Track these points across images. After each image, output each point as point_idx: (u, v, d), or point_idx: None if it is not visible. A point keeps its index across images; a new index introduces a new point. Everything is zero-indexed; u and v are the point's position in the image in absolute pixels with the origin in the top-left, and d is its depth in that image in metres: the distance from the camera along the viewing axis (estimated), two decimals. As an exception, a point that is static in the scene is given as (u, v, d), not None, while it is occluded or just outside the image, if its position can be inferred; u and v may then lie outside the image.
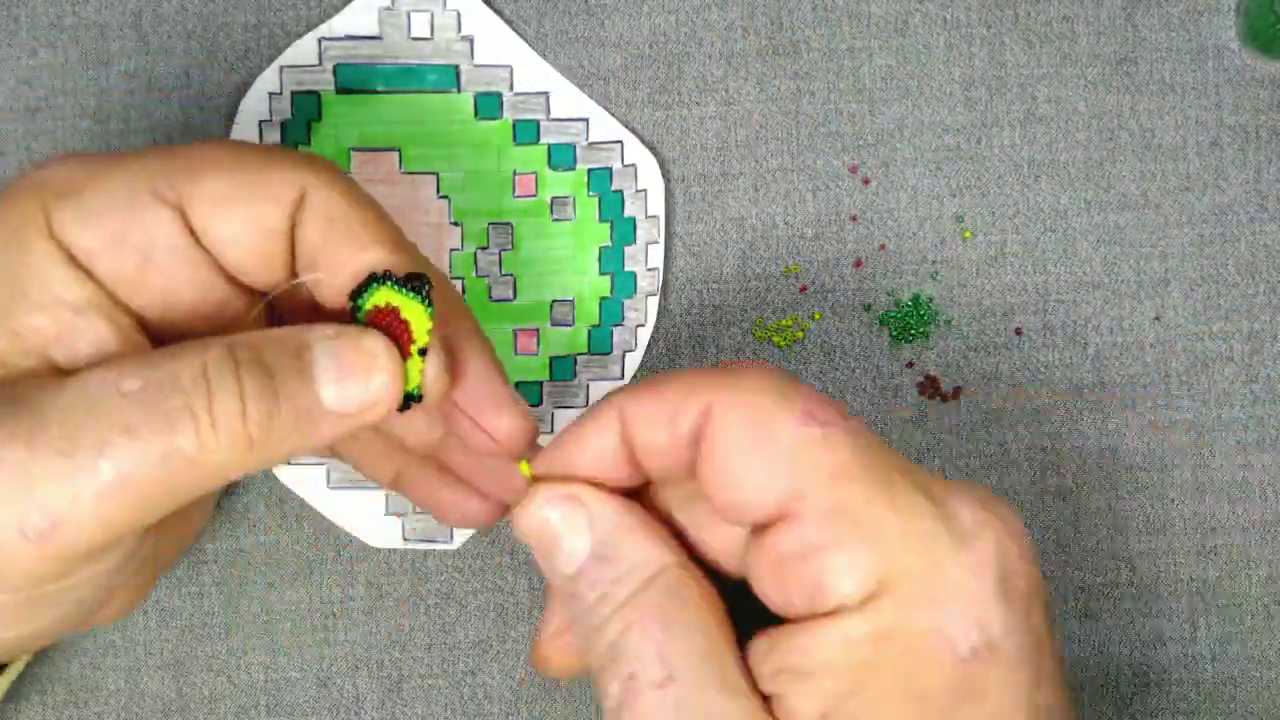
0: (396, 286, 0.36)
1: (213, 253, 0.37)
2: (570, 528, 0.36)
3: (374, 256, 0.36)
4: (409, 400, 0.37)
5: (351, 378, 0.35)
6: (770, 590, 0.33)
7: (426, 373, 0.36)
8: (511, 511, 0.37)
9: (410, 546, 0.47)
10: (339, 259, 0.36)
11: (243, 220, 0.36)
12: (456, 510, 0.42)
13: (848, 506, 0.32)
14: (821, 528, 0.32)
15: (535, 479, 0.37)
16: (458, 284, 0.48)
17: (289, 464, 0.47)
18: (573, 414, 0.48)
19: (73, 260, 0.36)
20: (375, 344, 0.35)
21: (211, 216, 0.36)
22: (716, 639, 0.34)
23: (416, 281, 0.36)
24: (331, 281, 0.37)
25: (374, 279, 0.36)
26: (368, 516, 0.47)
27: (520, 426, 0.39)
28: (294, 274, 0.37)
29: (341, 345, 0.35)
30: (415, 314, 0.36)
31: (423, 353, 0.36)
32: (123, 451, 0.33)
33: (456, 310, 0.40)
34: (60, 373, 0.35)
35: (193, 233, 0.36)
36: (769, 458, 0.33)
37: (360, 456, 0.43)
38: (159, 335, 0.37)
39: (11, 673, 0.43)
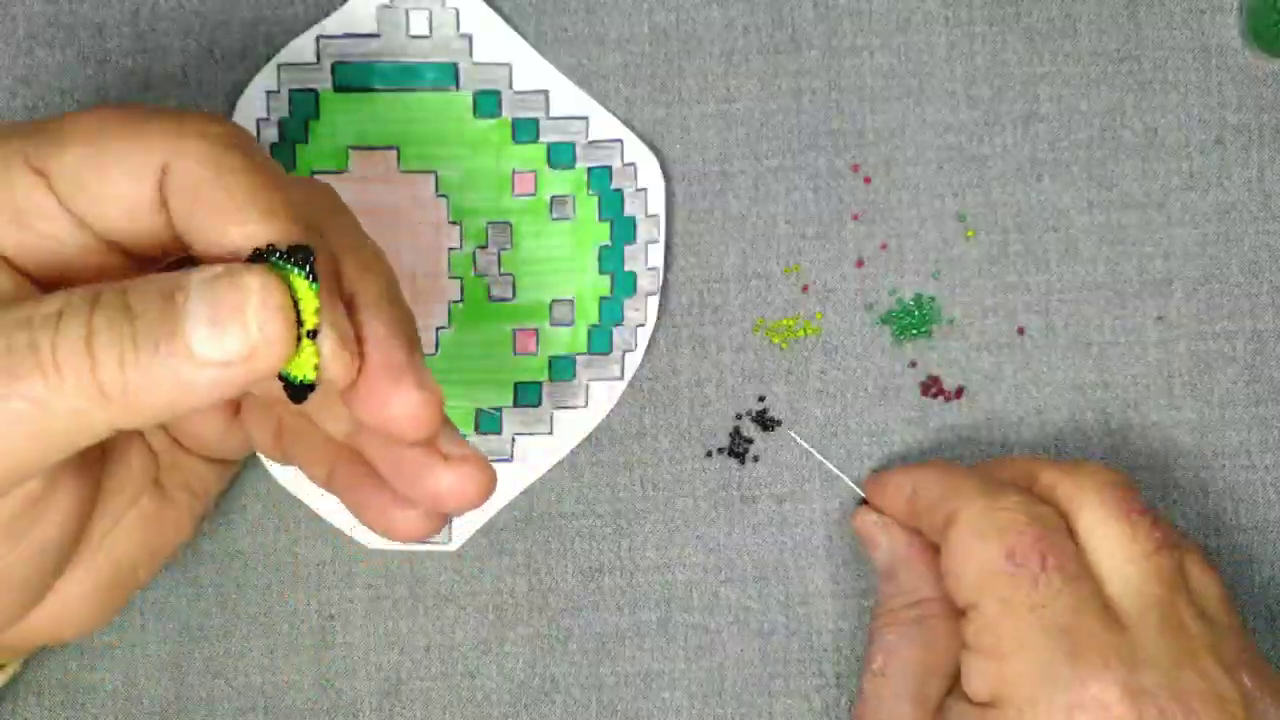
0: (279, 263, 0.32)
1: (81, 221, 0.35)
2: (874, 545, 0.46)
3: (241, 231, 0.33)
4: (302, 389, 0.33)
5: (227, 322, 0.32)
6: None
7: (321, 351, 0.33)
8: (854, 518, 0.47)
9: (410, 547, 0.47)
10: (207, 235, 0.33)
11: (98, 195, 0.34)
12: (380, 517, 0.39)
13: (997, 630, 0.40)
14: (977, 635, 0.40)
15: (864, 502, 0.47)
16: (455, 283, 0.47)
17: (279, 464, 0.46)
18: (573, 414, 0.47)
19: None
20: (257, 281, 0.32)
21: (69, 189, 0.35)
22: (935, 664, 0.43)
23: (299, 254, 0.32)
24: (205, 256, 0.34)
25: (257, 255, 0.33)
26: (366, 517, 0.47)
27: (418, 400, 0.35)
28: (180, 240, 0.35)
29: (221, 285, 0.32)
30: (301, 292, 0.32)
31: (312, 335, 0.33)
32: None
33: (375, 275, 0.37)
34: None
35: (63, 203, 0.35)
36: (970, 571, 0.41)
37: (295, 452, 0.41)
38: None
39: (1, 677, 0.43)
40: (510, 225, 0.48)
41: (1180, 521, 0.48)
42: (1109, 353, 0.48)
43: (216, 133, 0.34)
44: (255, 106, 0.47)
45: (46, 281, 0.36)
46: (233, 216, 0.33)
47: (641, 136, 0.48)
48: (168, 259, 0.37)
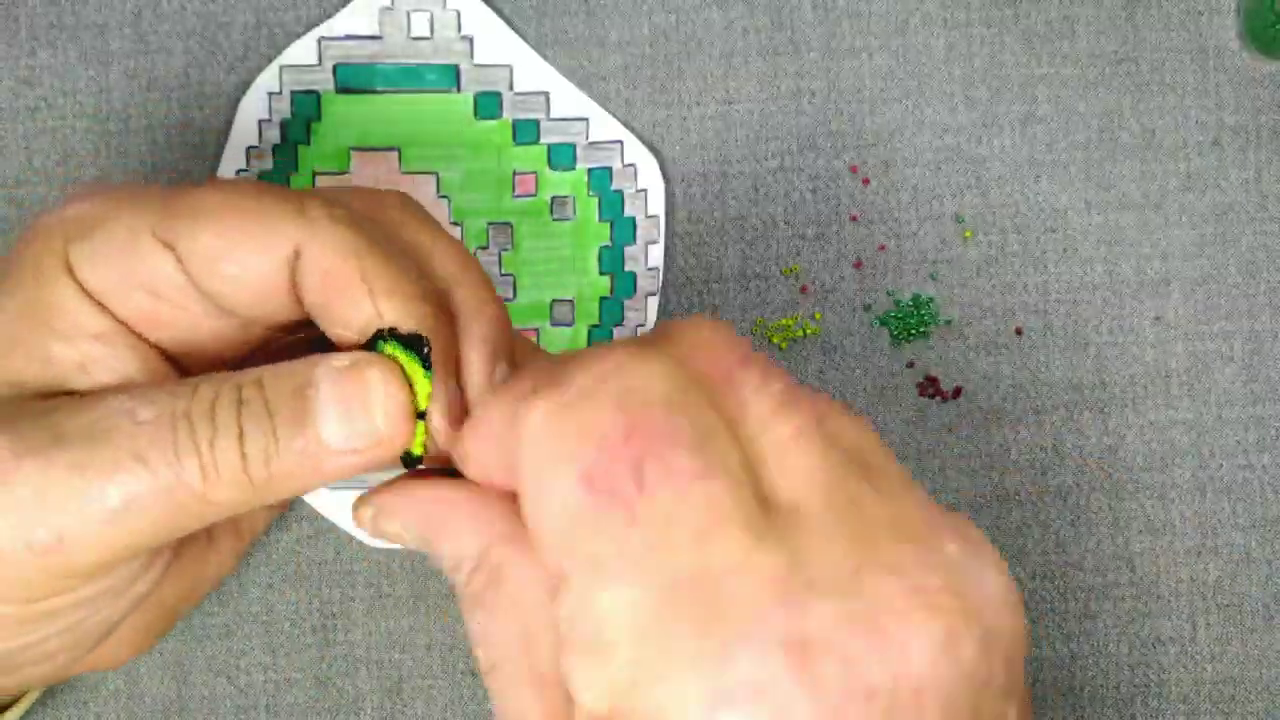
0: (398, 345, 0.35)
1: (211, 298, 0.36)
2: (394, 534, 0.36)
3: (369, 311, 0.35)
4: (412, 461, 0.36)
5: (354, 416, 0.35)
6: None
7: (432, 423, 0.36)
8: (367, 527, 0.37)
9: (409, 547, 0.47)
10: (338, 315, 0.36)
11: (232, 276, 0.36)
12: None
13: (594, 615, 0.29)
14: (570, 624, 0.30)
15: (359, 499, 0.37)
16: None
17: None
18: (573, 414, 0.47)
19: (90, 295, 0.36)
20: (379, 375, 0.35)
21: (202, 268, 0.36)
22: (533, 626, 0.32)
23: (414, 342, 0.35)
24: (338, 336, 0.36)
25: (379, 336, 0.35)
26: (367, 517, 0.47)
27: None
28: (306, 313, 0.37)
29: (346, 380, 0.35)
30: (416, 378, 0.35)
31: (421, 416, 0.35)
32: (132, 478, 0.34)
33: (470, 285, 0.38)
34: (77, 397, 0.36)
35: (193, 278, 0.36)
36: (546, 523, 0.30)
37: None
38: (187, 364, 0.38)
39: (20, 709, 0.43)
40: (511, 226, 0.48)
41: (1177, 520, 0.48)
42: (1106, 353, 0.49)
43: (339, 215, 0.36)
44: (257, 107, 0.47)
45: (172, 352, 0.37)
46: (362, 299, 0.35)
47: (641, 138, 0.48)
48: (293, 330, 0.38)
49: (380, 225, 0.37)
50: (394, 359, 0.35)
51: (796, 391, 0.30)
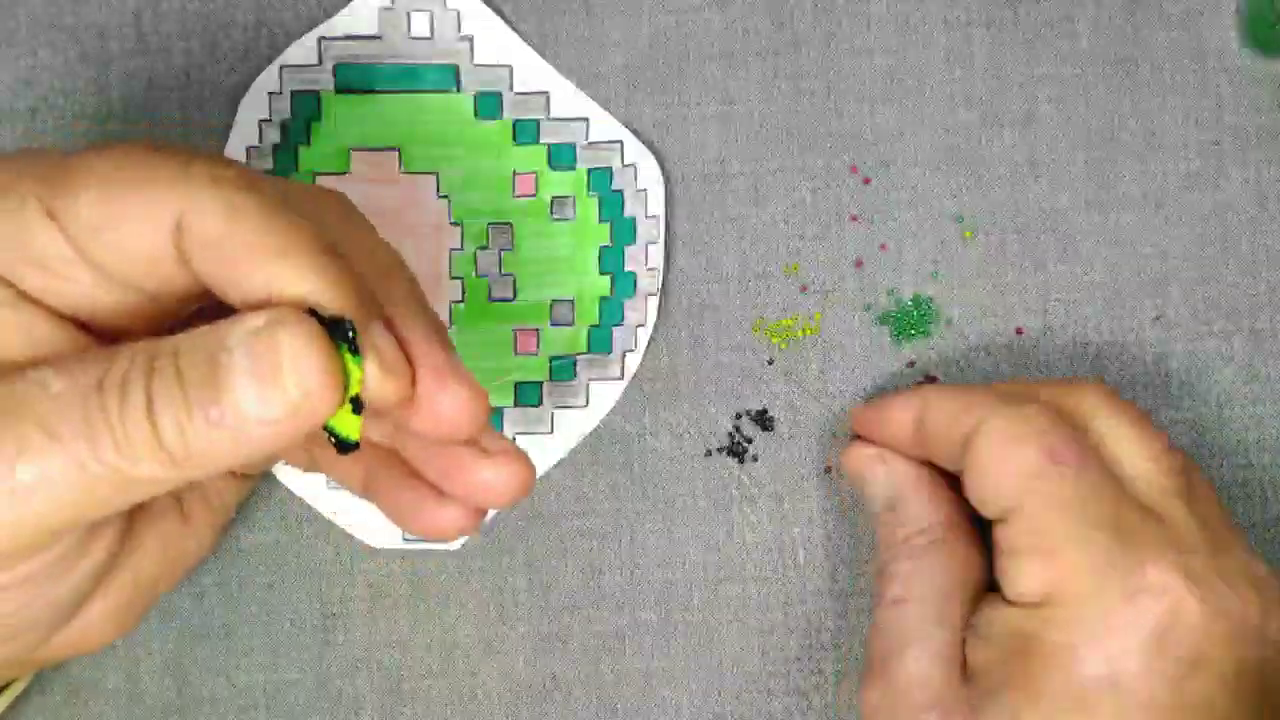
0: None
1: (98, 268, 0.35)
2: (874, 477, 0.45)
3: (260, 279, 0.33)
4: (347, 446, 0.34)
5: (267, 381, 0.32)
6: (994, 570, 0.42)
7: (369, 376, 0.34)
8: (843, 457, 0.46)
9: (410, 547, 0.47)
10: (234, 286, 0.34)
11: (113, 246, 0.34)
12: (421, 517, 0.39)
13: (1046, 529, 0.40)
14: (1022, 537, 0.40)
15: (854, 435, 0.46)
16: (457, 284, 0.48)
17: (283, 465, 0.46)
18: (573, 414, 0.48)
19: None
20: (289, 337, 0.32)
21: (84, 240, 0.34)
22: (954, 585, 0.42)
23: (338, 328, 0.33)
24: (237, 305, 0.34)
25: None
26: (367, 516, 0.47)
27: (466, 397, 0.36)
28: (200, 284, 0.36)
29: (258, 343, 0.32)
30: (347, 364, 0.33)
31: (355, 404, 0.34)
32: (42, 454, 0.32)
33: (399, 280, 0.38)
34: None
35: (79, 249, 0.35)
36: (1008, 476, 0.41)
37: (326, 461, 0.42)
38: (110, 335, 0.36)
39: (9, 695, 0.43)
40: (511, 226, 0.48)
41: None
42: (1106, 353, 0.49)
43: (226, 176, 0.34)
44: (257, 108, 0.47)
45: (93, 327, 0.36)
46: (252, 265, 0.33)
47: (641, 138, 0.48)
48: (200, 303, 0.37)
49: (300, 208, 0.35)
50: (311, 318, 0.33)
51: (1169, 438, 0.43)
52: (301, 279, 0.33)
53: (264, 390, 0.32)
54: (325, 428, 0.34)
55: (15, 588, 0.35)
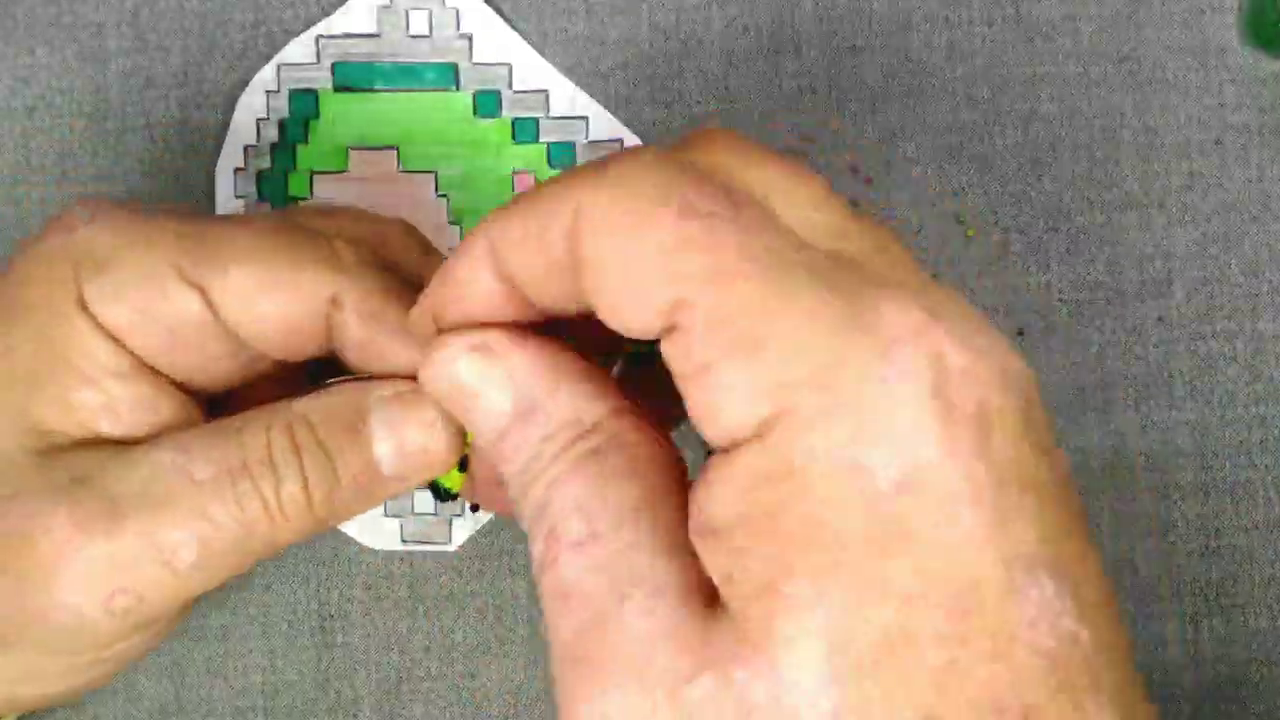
0: None
1: (238, 338, 0.37)
2: (487, 383, 0.31)
3: (413, 353, 0.36)
4: (446, 496, 0.38)
5: (410, 447, 0.36)
6: (690, 417, 0.28)
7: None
8: (424, 378, 0.33)
9: (409, 548, 0.47)
10: (385, 354, 0.37)
11: (265, 316, 0.36)
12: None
13: (730, 313, 0.26)
14: (704, 341, 0.26)
15: (440, 331, 0.32)
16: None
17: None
18: (572, 414, 0.47)
19: (107, 332, 0.36)
20: (430, 412, 0.36)
21: (236, 311, 0.36)
22: (655, 495, 0.29)
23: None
24: (372, 369, 0.37)
25: None
26: (366, 518, 0.47)
27: None
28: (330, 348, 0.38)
29: (398, 414, 0.36)
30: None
31: (462, 463, 0.37)
32: (200, 541, 0.35)
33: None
34: (111, 444, 0.36)
35: (218, 317, 0.37)
36: (642, 260, 0.27)
37: None
38: (208, 397, 0.38)
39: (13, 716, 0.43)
40: (510, 225, 0.48)
41: (1180, 521, 0.48)
42: (1109, 353, 0.48)
43: (367, 258, 0.37)
44: (255, 106, 0.47)
45: (194, 390, 0.38)
46: (407, 341, 0.36)
47: (641, 137, 0.48)
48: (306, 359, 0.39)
49: (385, 256, 0.39)
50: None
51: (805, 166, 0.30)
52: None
53: (404, 457, 0.36)
54: (431, 484, 0.38)
55: (129, 650, 0.38)
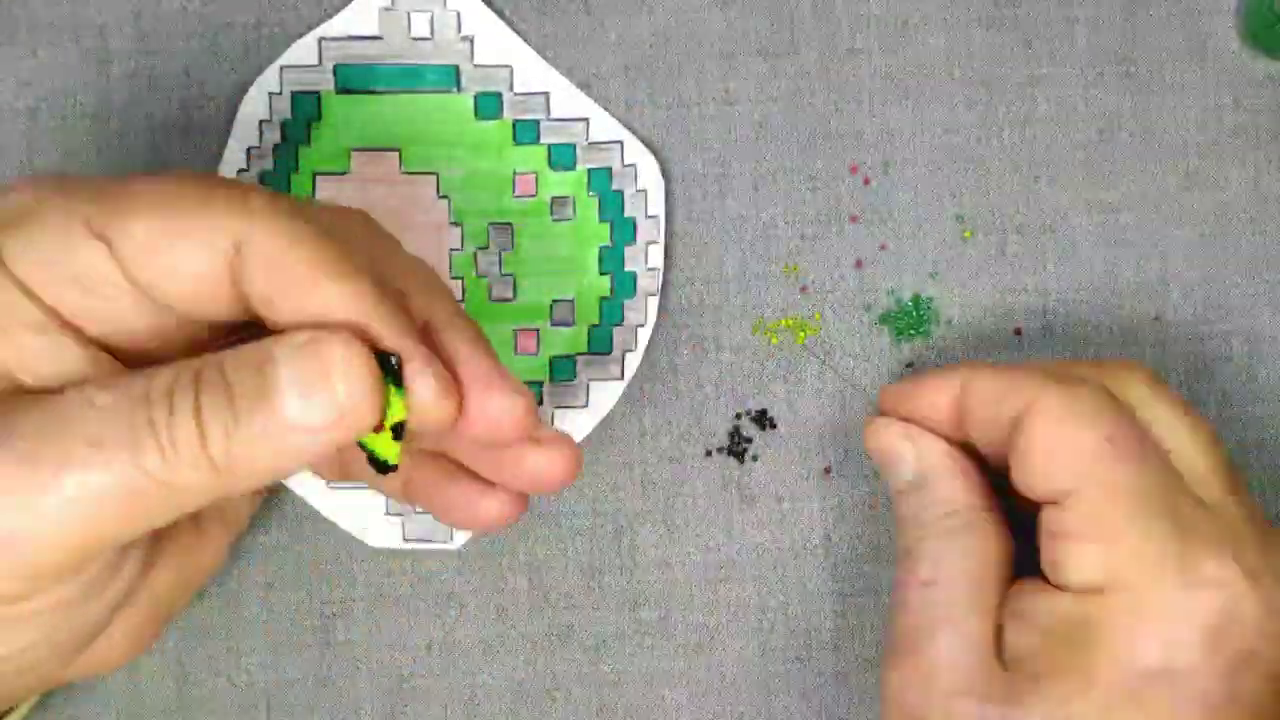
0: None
1: (145, 291, 0.36)
2: (904, 453, 0.43)
3: (320, 299, 0.35)
4: (383, 468, 0.36)
5: (314, 389, 0.34)
6: (1040, 554, 0.40)
7: (420, 398, 0.35)
8: (868, 432, 0.44)
9: (410, 546, 0.47)
10: (288, 305, 0.35)
11: (168, 266, 0.35)
12: (467, 510, 0.41)
13: (1105, 515, 0.38)
14: (1080, 521, 0.39)
15: (881, 411, 0.44)
16: (457, 284, 0.48)
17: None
18: (573, 414, 0.48)
19: (22, 285, 0.35)
20: (338, 350, 0.34)
21: (136, 259, 0.35)
22: (987, 569, 0.41)
23: (383, 360, 0.35)
24: (287, 327, 0.36)
25: None
26: (367, 516, 0.47)
27: (513, 404, 0.37)
28: (248, 312, 0.36)
29: (306, 353, 0.34)
30: (389, 397, 0.35)
31: (396, 431, 0.35)
32: (86, 467, 0.33)
33: (433, 290, 0.39)
34: (31, 395, 0.35)
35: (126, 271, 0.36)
36: (1066, 458, 0.39)
37: (360, 471, 0.42)
38: (131, 361, 0.37)
39: (16, 717, 0.43)
40: (511, 226, 0.48)
41: (1177, 521, 0.48)
42: (1106, 353, 0.49)
43: (281, 204, 0.36)
44: (258, 108, 0.47)
45: (118, 351, 0.37)
46: (316, 284, 0.35)
47: (641, 138, 0.48)
48: (230, 327, 0.38)
49: (335, 230, 0.37)
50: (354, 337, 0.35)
51: (1203, 416, 0.42)
52: (353, 304, 0.35)
53: (309, 400, 0.34)
54: (365, 449, 0.36)
55: (47, 613, 0.36)
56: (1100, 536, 0.39)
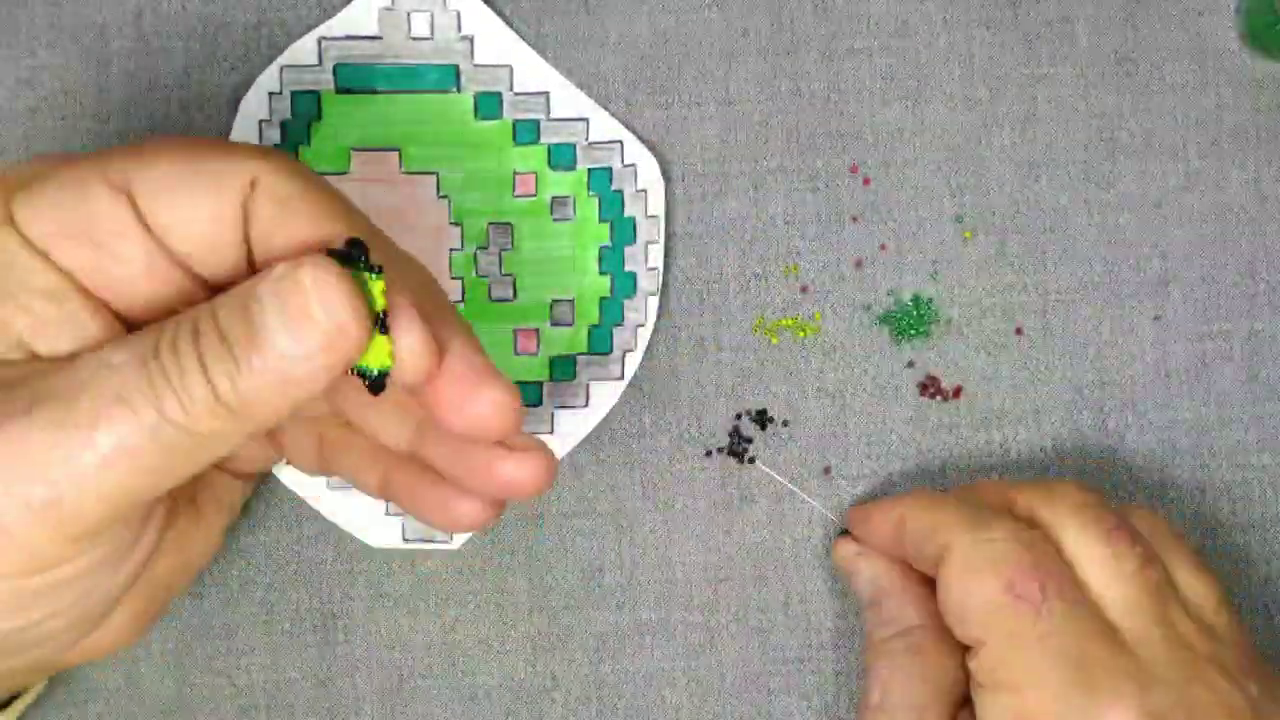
0: (337, 260, 0.35)
1: (161, 239, 0.36)
2: (859, 570, 0.46)
3: (328, 229, 0.36)
4: (380, 380, 0.36)
5: (297, 318, 0.34)
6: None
7: (404, 346, 0.36)
8: (834, 549, 0.46)
9: (410, 546, 0.47)
10: (293, 236, 0.36)
11: (189, 205, 0.36)
12: (443, 511, 0.41)
13: (1008, 665, 0.40)
14: (987, 671, 0.40)
15: (844, 531, 0.47)
16: (457, 284, 0.48)
17: (286, 464, 0.46)
18: (573, 414, 0.48)
19: (35, 247, 0.36)
20: (309, 271, 0.34)
21: (158, 201, 0.36)
22: (931, 696, 0.43)
23: (354, 249, 0.35)
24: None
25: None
26: (368, 516, 0.47)
27: (503, 401, 0.38)
28: (251, 266, 0.37)
29: (283, 287, 0.34)
30: (366, 282, 0.35)
31: (382, 324, 0.35)
32: (117, 423, 0.34)
33: (427, 287, 0.39)
34: (49, 362, 0.36)
35: (143, 221, 0.36)
36: (971, 608, 0.41)
37: (341, 464, 0.43)
38: (139, 322, 0.37)
39: (21, 704, 0.43)
40: (511, 226, 0.48)
41: (1178, 521, 0.48)
42: (1106, 353, 0.49)
43: (288, 155, 0.37)
44: (258, 107, 0.47)
45: (122, 312, 0.37)
46: (319, 220, 0.36)
47: (641, 138, 0.48)
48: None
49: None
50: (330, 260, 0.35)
51: (1148, 551, 0.42)
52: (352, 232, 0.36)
53: (295, 328, 0.34)
54: (358, 372, 0.36)
55: (75, 579, 0.36)
56: (1004, 685, 0.40)
